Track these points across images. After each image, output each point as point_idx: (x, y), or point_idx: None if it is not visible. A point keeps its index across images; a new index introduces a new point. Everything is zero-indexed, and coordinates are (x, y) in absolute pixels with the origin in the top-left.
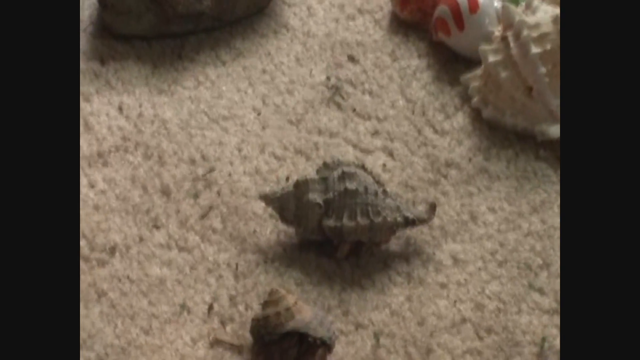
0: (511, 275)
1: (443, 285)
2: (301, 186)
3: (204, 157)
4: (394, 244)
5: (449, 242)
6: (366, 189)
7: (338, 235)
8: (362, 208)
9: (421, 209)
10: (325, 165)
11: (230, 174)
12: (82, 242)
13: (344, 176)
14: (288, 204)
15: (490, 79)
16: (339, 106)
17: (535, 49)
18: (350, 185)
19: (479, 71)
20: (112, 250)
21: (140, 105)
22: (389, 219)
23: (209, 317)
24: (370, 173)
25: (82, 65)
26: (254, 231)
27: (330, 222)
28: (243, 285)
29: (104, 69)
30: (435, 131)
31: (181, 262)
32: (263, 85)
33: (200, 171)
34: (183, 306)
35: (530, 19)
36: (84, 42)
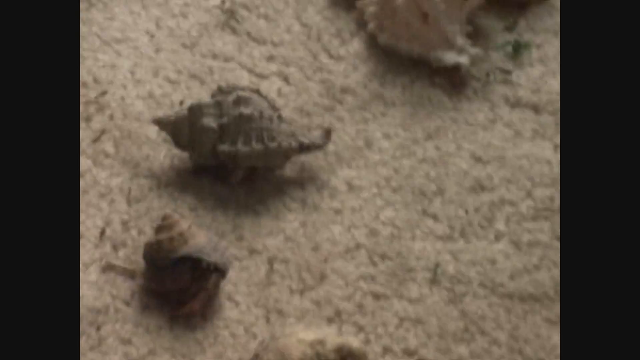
0: (406, 201)
1: (337, 211)
2: (195, 110)
3: (96, 80)
4: (289, 170)
5: (343, 168)
6: (261, 113)
7: (232, 161)
8: (257, 133)
9: (316, 135)
10: (220, 89)
11: (123, 98)
12: None
13: (238, 101)
14: (182, 128)
15: (386, 5)
16: (233, 30)
17: None
18: (245, 110)
19: None
20: None
21: None
22: (283, 144)
23: (101, 242)
24: (265, 98)
25: None
26: (147, 156)
27: (225, 147)
28: (136, 210)
29: None
30: (331, 56)
31: None
32: (156, 7)
33: (92, 94)
34: None
35: None
36: None
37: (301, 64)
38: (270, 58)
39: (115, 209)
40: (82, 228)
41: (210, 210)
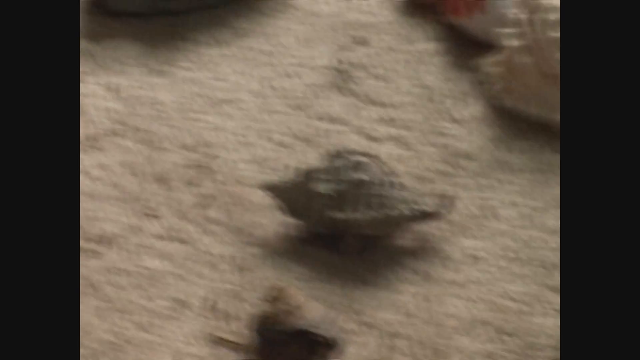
0: (529, 274)
1: (457, 284)
2: (307, 175)
3: (203, 143)
4: (406, 239)
5: (463, 238)
6: (376, 179)
7: (346, 229)
8: (372, 200)
9: (434, 203)
10: (333, 153)
11: (231, 162)
12: None
13: (354, 166)
14: (293, 194)
15: (511, 65)
16: (347, 91)
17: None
18: (360, 176)
19: (499, 56)
20: (106, 241)
21: (135, 87)
22: (400, 212)
23: (208, 313)
24: (382, 163)
25: None
26: (257, 223)
27: (340, 215)
28: (245, 280)
29: (97, 48)
30: (451, 119)
31: (179, 254)
32: (266, 67)
33: (199, 158)
34: (180, 301)
35: (557, 2)
36: None
37: (419, 128)
38: (386, 121)
39: (222, 278)
40: (188, 298)
41: (323, 280)
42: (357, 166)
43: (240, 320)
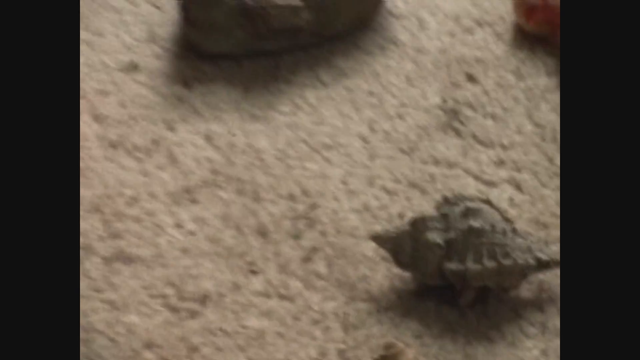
0: None
1: None
2: (418, 224)
3: (304, 192)
4: (526, 290)
5: None
6: (492, 227)
7: (461, 280)
8: (488, 249)
9: (555, 250)
10: (445, 200)
11: (335, 211)
12: (170, 291)
13: (467, 212)
14: (403, 244)
15: None
16: (457, 132)
17: None
18: (475, 223)
19: None
20: (204, 300)
21: (231, 134)
22: (519, 261)
23: None
24: (496, 209)
25: (165, 89)
26: (364, 276)
27: (453, 266)
28: (353, 338)
29: (189, 93)
30: None
31: (282, 311)
32: (370, 109)
33: (301, 208)
34: None
35: None
36: (166, 63)
37: (535, 169)
38: (500, 163)
39: (330, 337)
40: (294, 359)
41: (437, 337)
42: (469, 213)
43: None
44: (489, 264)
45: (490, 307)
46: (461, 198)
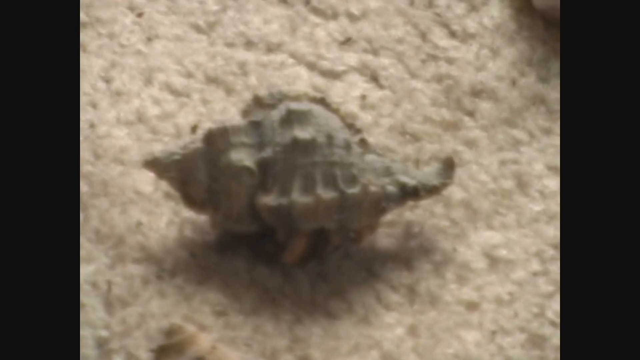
0: None
1: (471, 306)
2: (217, 140)
3: None
4: (384, 235)
5: (480, 229)
6: (330, 138)
7: (284, 222)
8: (324, 172)
9: (430, 171)
10: (256, 100)
11: (92, 124)
12: None
13: (289, 118)
14: (195, 172)
15: None
16: None
17: None
18: (302, 134)
19: None
20: None
21: None
22: (372, 188)
23: None
24: (335, 110)
25: None
26: (138, 224)
27: (269, 199)
28: (121, 320)
29: None
30: (452, 34)
31: None
32: None
33: None
34: None
35: None
36: None
37: (400, 49)
38: (346, 42)
39: (85, 319)
40: None
41: (249, 313)
42: (293, 118)
43: None
44: (326, 194)
45: (330, 264)
46: (280, 96)
